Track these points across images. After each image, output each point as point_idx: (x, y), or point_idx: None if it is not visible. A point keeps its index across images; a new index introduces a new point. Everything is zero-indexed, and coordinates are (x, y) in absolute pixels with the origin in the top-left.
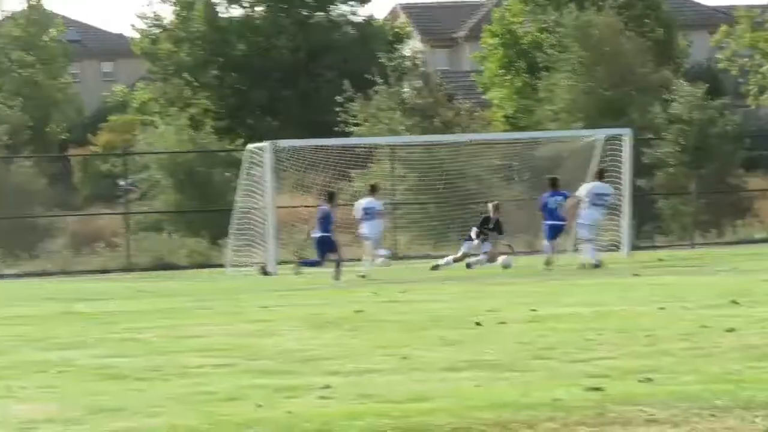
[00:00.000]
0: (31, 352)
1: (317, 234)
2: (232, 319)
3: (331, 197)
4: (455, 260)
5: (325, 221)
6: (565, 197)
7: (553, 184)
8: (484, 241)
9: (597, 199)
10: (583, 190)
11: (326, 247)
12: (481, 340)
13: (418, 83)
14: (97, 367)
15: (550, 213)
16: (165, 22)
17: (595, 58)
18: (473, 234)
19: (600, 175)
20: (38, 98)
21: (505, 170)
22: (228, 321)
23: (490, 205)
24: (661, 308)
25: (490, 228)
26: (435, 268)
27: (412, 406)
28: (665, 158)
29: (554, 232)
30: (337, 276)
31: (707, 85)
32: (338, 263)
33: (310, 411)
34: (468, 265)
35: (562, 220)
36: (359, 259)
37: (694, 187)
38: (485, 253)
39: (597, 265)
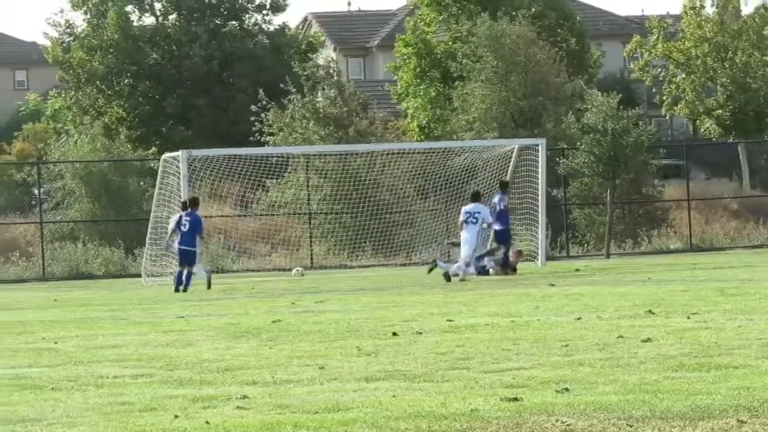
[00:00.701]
0: None
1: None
2: (148, 329)
3: (193, 203)
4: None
5: (196, 230)
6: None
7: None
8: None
9: (469, 218)
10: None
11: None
12: (397, 351)
13: (332, 93)
14: (14, 377)
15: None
16: (77, 30)
17: (509, 68)
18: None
19: (474, 197)
20: None
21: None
22: (144, 331)
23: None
24: (578, 318)
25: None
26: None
27: (330, 417)
28: (580, 168)
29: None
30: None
31: (620, 95)
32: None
33: (228, 421)
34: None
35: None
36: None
37: (608, 197)
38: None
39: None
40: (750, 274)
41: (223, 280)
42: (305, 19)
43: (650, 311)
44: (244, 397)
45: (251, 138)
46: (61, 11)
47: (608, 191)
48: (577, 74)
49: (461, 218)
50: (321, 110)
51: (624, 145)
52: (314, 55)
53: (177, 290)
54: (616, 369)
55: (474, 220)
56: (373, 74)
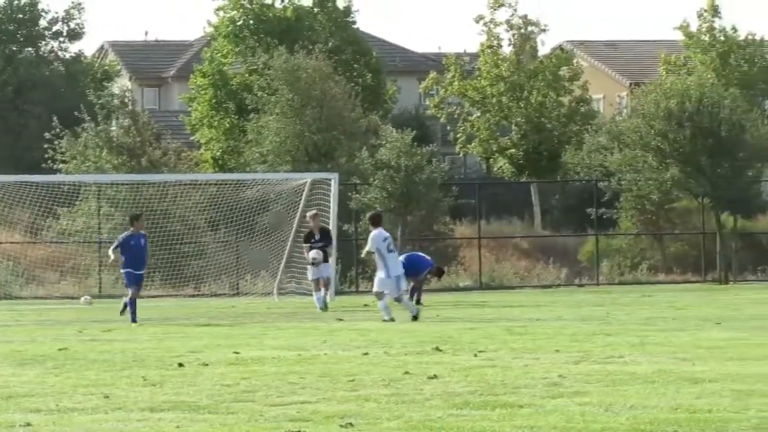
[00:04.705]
0: None
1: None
2: None
3: (135, 220)
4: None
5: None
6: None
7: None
8: (322, 262)
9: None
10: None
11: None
12: (183, 381)
13: (126, 122)
14: None
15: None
16: None
17: (304, 102)
18: (311, 255)
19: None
20: None
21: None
22: None
23: (308, 216)
24: (365, 354)
25: (317, 240)
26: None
27: None
28: (372, 204)
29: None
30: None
31: (415, 131)
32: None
33: None
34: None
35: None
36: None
37: (400, 233)
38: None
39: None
40: (538, 314)
41: (11, 307)
42: (102, 48)
43: (437, 348)
44: (28, 424)
45: (44, 165)
46: None
47: (400, 227)
48: (372, 109)
49: (377, 245)
50: (114, 139)
51: (417, 182)
52: (110, 84)
53: None
54: (401, 405)
55: (393, 249)
56: (168, 104)
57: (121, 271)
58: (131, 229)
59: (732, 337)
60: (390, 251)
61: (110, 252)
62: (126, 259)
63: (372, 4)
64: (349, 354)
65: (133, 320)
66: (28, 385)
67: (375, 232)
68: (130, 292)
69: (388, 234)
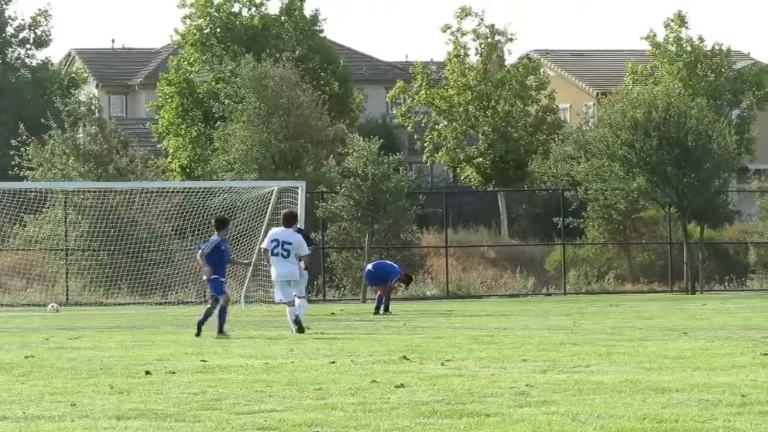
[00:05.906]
0: None
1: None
2: None
3: (222, 224)
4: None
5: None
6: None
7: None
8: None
9: (276, 247)
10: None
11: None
12: (150, 390)
13: (93, 129)
14: None
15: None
16: None
17: (271, 110)
18: None
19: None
20: None
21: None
22: None
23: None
24: (332, 362)
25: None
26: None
27: None
28: (339, 212)
29: None
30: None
31: (382, 140)
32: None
33: None
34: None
35: None
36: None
37: (367, 241)
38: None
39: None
40: (505, 323)
41: None
42: (69, 55)
43: (404, 357)
44: None
45: (10, 172)
46: None
47: (367, 236)
48: (339, 118)
49: (266, 244)
50: (81, 146)
51: (384, 191)
52: (76, 91)
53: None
54: (369, 414)
55: (285, 253)
56: (134, 112)
57: (207, 278)
58: (217, 233)
59: (699, 346)
60: (275, 255)
61: (200, 258)
62: (215, 266)
63: (339, 13)
64: (316, 362)
65: (221, 330)
66: None
67: (272, 231)
68: (221, 299)
69: (285, 236)
